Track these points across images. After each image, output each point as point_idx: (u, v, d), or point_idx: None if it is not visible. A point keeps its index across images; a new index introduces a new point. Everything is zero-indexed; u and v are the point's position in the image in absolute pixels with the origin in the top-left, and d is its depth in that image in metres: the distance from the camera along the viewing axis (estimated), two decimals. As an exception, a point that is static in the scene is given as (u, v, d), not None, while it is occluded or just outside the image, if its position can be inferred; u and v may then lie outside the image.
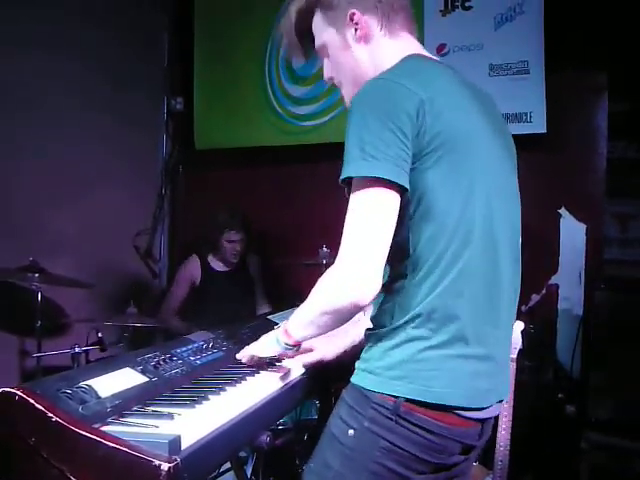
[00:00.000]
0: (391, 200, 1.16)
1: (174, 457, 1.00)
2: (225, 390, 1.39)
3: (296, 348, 1.44)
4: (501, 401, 1.35)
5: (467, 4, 3.23)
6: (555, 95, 3.06)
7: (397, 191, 1.16)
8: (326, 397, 2.50)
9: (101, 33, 3.36)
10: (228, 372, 1.58)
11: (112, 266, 3.49)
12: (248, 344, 1.56)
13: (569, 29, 3.05)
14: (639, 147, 3.30)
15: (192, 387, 1.44)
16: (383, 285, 1.27)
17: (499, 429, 1.97)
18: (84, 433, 1.03)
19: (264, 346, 1.48)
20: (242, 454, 2.34)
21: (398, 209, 1.17)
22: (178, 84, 4.07)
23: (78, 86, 3.24)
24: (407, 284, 1.22)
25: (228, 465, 2.11)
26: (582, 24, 3.02)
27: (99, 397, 1.19)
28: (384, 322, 1.26)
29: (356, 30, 1.36)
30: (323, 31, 1.41)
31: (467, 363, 1.21)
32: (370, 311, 1.38)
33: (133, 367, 1.38)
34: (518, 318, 1.49)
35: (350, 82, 1.40)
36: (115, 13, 3.49)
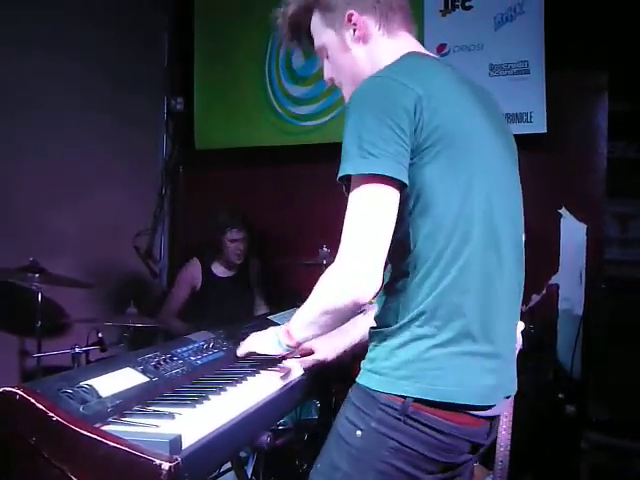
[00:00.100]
0: (390, 196, 1.16)
1: (175, 457, 0.99)
2: (226, 390, 1.39)
3: (297, 349, 1.44)
4: (508, 397, 1.35)
5: (467, 4, 3.23)
6: (555, 95, 3.06)
7: (396, 187, 1.16)
8: (326, 397, 2.51)
9: (101, 33, 3.36)
10: (229, 372, 1.58)
11: (112, 266, 3.49)
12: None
13: (569, 29, 3.05)
14: (639, 147, 3.30)
15: (193, 387, 1.44)
16: (386, 284, 1.27)
17: (499, 429, 1.97)
18: (85, 433, 1.03)
19: (265, 346, 1.48)
20: (243, 454, 2.34)
21: (397, 205, 1.17)
22: (178, 84, 4.07)
23: (78, 86, 3.24)
24: (409, 282, 1.22)
25: (229, 465, 2.11)
26: (582, 24, 3.03)
27: (100, 397, 1.19)
28: (389, 321, 1.26)
29: (354, 31, 1.36)
30: (322, 33, 1.41)
31: (474, 360, 1.21)
32: (374, 311, 1.38)
33: (134, 367, 1.38)
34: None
35: (350, 82, 1.40)
36: (115, 13, 3.49)
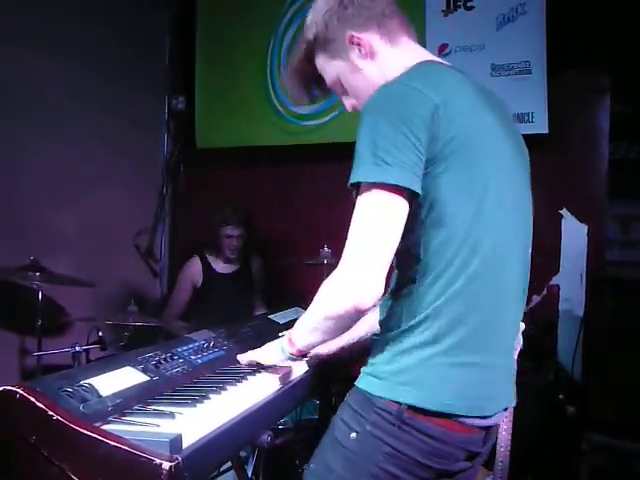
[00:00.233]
0: (399, 206, 1.15)
1: (175, 456, 0.99)
2: (226, 389, 1.39)
3: (301, 358, 1.43)
4: (506, 409, 1.34)
5: (469, 4, 3.23)
6: (557, 96, 3.06)
7: (407, 197, 1.15)
8: (326, 397, 2.50)
9: (101, 33, 3.36)
10: (229, 371, 1.58)
11: (113, 265, 3.49)
12: (249, 343, 1.56)
13: (571, 30, 3.04)
14: (641, 148, 3.31)
15: (193, 386, 1.44)
16: (392, 290, 1.27)
17: (500, 430, 1.96)
18: (85, 432, 1.03)
19: (269, 355, 1.48)
20: (243, 453, 2.34)
21: (406, 215, 1.16)
22: (179, 83, 4.07)
23: (78, 86, 3.24)
24: (415, 289, 1.22)
25: (229, 464, 2.11)
26: (584, 25, 3.02)
27: (100, 396, 1.19)
28: (392, 326, 1.26)
29: (360, 50, 1.36)
30: (330, 67, 1.41)
31: (475, 371, 1.21)
32: (374, 313, 1.38)
33: (134, 366, 1.38)
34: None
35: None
36: (115, 13, 3.49)
